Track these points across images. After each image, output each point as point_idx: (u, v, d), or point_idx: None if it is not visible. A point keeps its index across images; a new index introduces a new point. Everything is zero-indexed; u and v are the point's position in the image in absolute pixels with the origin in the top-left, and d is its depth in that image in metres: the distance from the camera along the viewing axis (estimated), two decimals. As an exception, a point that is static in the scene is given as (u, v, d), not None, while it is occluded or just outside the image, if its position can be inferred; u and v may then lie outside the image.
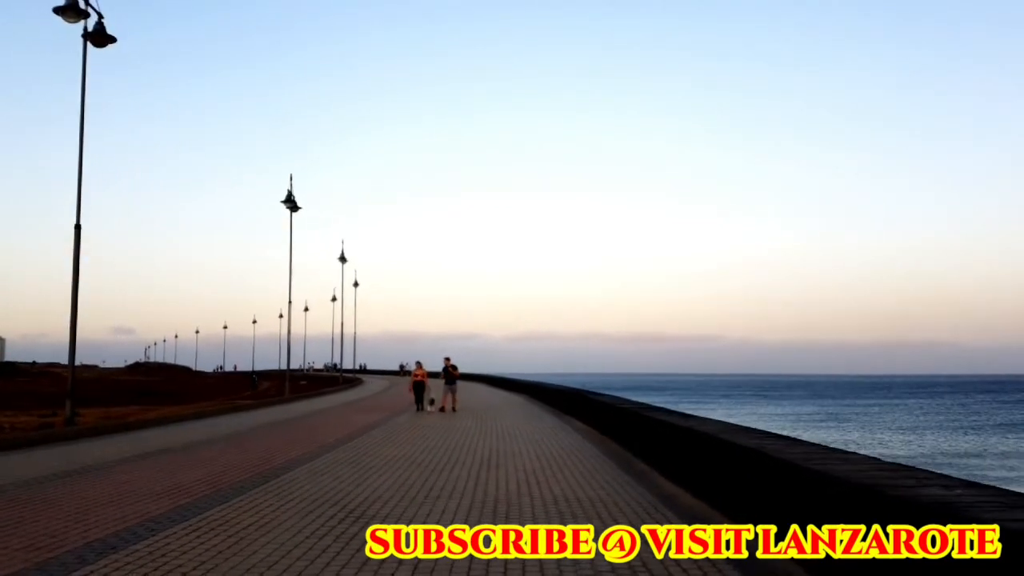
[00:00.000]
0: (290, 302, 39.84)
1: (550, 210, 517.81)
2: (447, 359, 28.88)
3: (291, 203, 39.08)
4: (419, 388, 28.41)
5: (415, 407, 28.07)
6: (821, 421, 71.66)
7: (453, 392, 27.87)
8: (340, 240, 70.36)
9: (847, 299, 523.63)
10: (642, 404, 17.04)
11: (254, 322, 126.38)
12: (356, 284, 77.83)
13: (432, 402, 27.77)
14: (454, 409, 27.14)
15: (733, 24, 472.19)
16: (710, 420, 11.47)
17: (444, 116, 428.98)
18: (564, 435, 18.72)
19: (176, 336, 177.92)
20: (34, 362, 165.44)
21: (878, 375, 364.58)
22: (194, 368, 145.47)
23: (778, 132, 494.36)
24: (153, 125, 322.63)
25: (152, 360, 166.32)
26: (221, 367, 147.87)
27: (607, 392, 36.45)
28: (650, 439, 12.46)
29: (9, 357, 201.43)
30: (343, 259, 60.97)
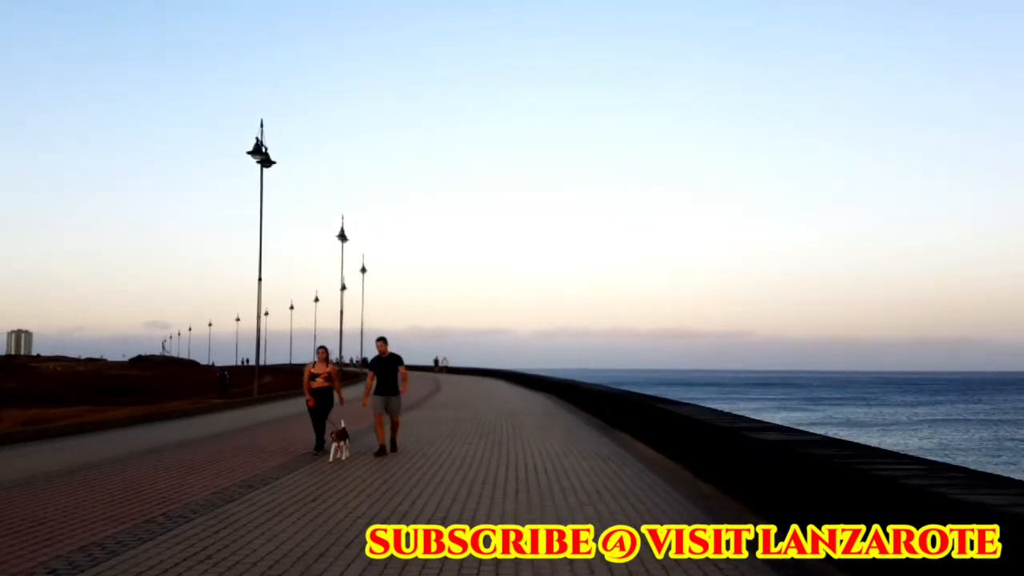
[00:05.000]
0: (260, 279, 31.73)
1: (578, 204, 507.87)
2: (381, 342, 13.61)
3: (261, 155, 31.05)
4: (321, 402, 13.31)
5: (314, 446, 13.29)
6: None
7: (390, 412, 13.35)
8: (340, 216, 62.09)
9: (879, 295, 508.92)
10: (815, 437, 8.60)
11: (266, 314, 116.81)
12: (364, 270, 70.26)
13: (341, 438, 12.25)
14: (393, 446, 13.39)
15: (756, 19, 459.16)
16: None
17: (469, 110, 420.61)
18: (631, 478, 10.53)
19: (190, 329, 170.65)
20: (37, 355, 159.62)
21: (910, 372, 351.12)
22: (203, 362, 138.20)
23: (809, 129, 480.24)
24: (163, 121, 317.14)
25: (169, 353, 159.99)
26: (247, 360, 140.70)
27: (626, 388, 28.23)
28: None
29: (40, 350, 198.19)
30: (343, 237, 52.87)
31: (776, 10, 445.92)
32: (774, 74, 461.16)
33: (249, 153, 30.88)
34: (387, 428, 13.48)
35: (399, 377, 13.52)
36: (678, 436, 11.98)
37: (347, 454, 12.31)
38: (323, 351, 13.77)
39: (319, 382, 13.39)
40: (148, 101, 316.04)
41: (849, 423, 62.34)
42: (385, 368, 13.41)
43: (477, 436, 16.64)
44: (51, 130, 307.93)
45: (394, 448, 13.41)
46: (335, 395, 13.58)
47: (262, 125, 31.33)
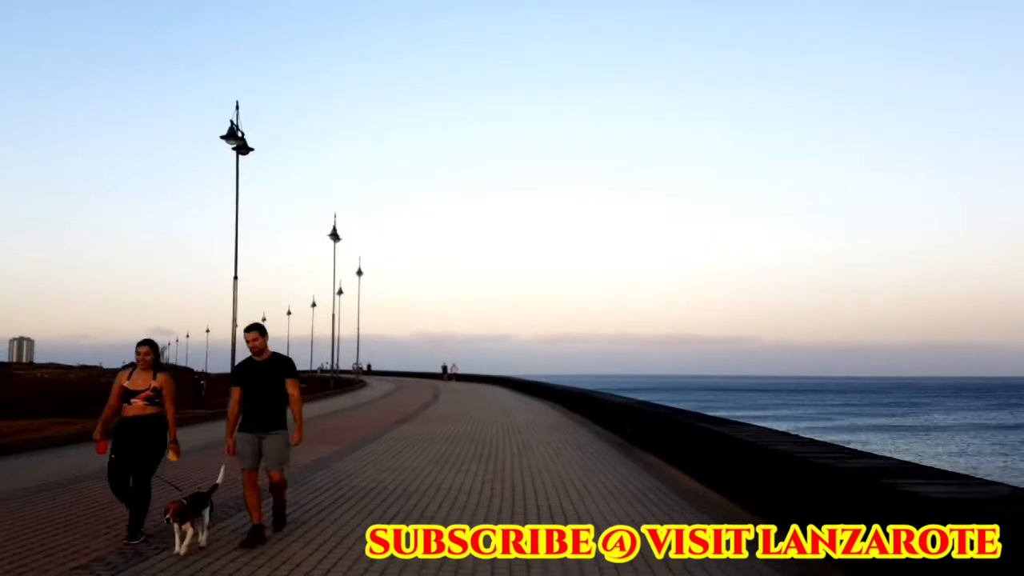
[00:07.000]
0: (236, 277, 28.47)
1: (583, 210, 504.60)
2: (253, 331, 7.15)
3: (235, 139, 27.92)
4: (136, 445, 7.04)
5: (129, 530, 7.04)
6: None
7: (266, 462, 7.12)
8: (333, 214, 59.33)
9: (885, 301, 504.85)
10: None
11: (263, 319, 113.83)
12: (360, 272, 67.92)
13: (184, 516, 6.44)
14: (279, 520, 7.49)
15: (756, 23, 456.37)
16: None
17: (471, 115, 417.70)
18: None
19: (188, 336, 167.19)
20: (30, 362, 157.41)
21: (917, 377, 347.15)
22: (198, 369, 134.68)
23: (814, 133, 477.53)
24: (167, 126, 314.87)
25: (167, 361, 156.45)
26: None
27: (630, 394, 25.09)
28: None
29: (43, 358, 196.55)
30: (335, 236, 49.94)
31: (776, 11, 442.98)
32: (778, 76, 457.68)
33: (223, 138, 27.75)
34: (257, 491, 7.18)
35: (285, 400, 7.25)
36: (748, 472, 8.81)
37: (204, 538, 6.72)
38: (146, 350, 7.28)
39: (136, 406, 7.10)
40: (151, 106, 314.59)
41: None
42: (259, 381, 7.15)
43: (475, 460, 13.58)
44: (54, 136, 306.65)
45: (278, 525, 7.43)
46: (166, 433, 7.23)
47: (237, 107, 28.22)
